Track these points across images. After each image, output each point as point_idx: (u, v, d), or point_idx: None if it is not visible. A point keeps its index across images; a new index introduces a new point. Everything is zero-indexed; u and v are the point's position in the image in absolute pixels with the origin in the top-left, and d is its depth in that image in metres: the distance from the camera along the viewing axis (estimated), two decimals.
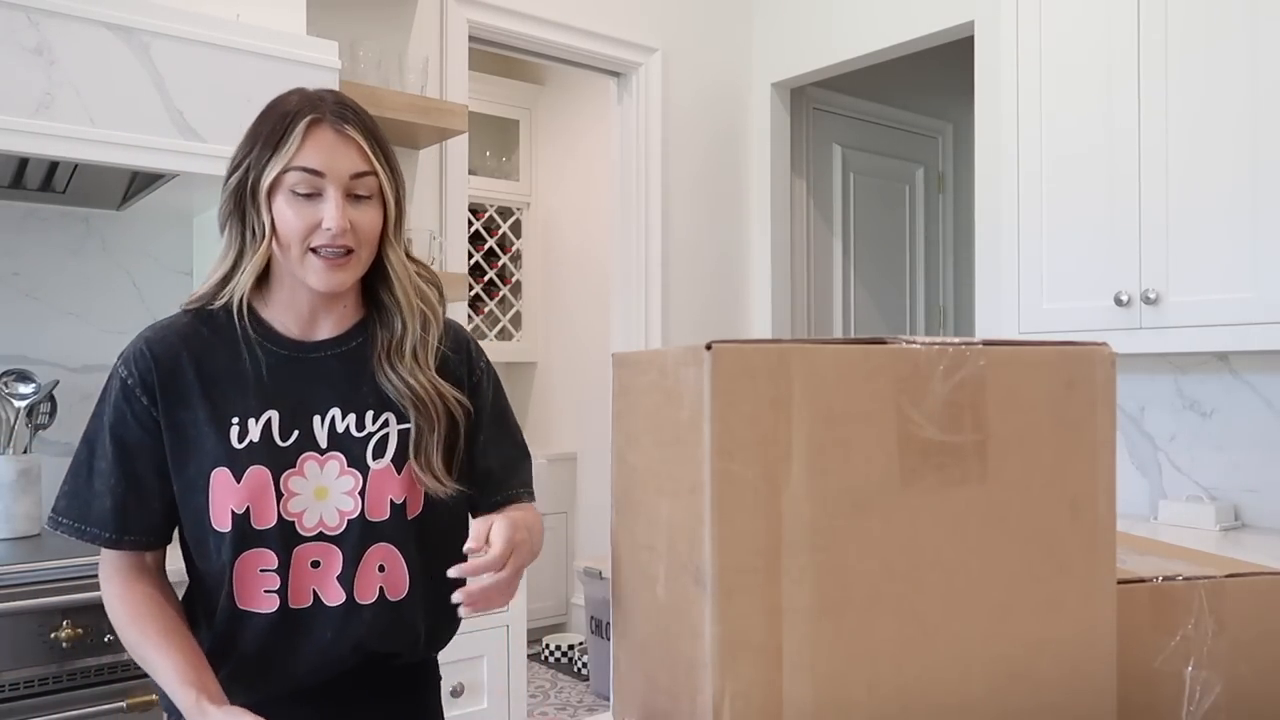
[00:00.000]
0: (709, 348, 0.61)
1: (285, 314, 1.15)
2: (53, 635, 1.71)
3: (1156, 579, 0.75)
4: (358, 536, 1.12)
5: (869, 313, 4.03)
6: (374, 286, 1.17)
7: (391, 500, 1.14)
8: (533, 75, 4.63)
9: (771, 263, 3.56)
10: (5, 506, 2.01)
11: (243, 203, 1.11)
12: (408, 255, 1.18)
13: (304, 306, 1.14)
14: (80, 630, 1.73)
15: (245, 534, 1.09)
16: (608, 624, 0.95)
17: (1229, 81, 2.04)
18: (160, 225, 2.40)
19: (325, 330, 1.16)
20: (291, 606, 1.11)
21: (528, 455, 1.28)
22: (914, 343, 0.65)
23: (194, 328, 1.14)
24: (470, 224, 4.13)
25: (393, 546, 1.14)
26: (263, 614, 1.11)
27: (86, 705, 1.74)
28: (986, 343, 0.66)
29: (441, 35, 2.86)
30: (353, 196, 1.09)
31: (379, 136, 1.12)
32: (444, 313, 1.22)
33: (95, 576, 1.76)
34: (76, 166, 1.88)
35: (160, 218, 2.39)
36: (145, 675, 1.81)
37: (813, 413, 0.62)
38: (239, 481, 1.08)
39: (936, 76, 3.93)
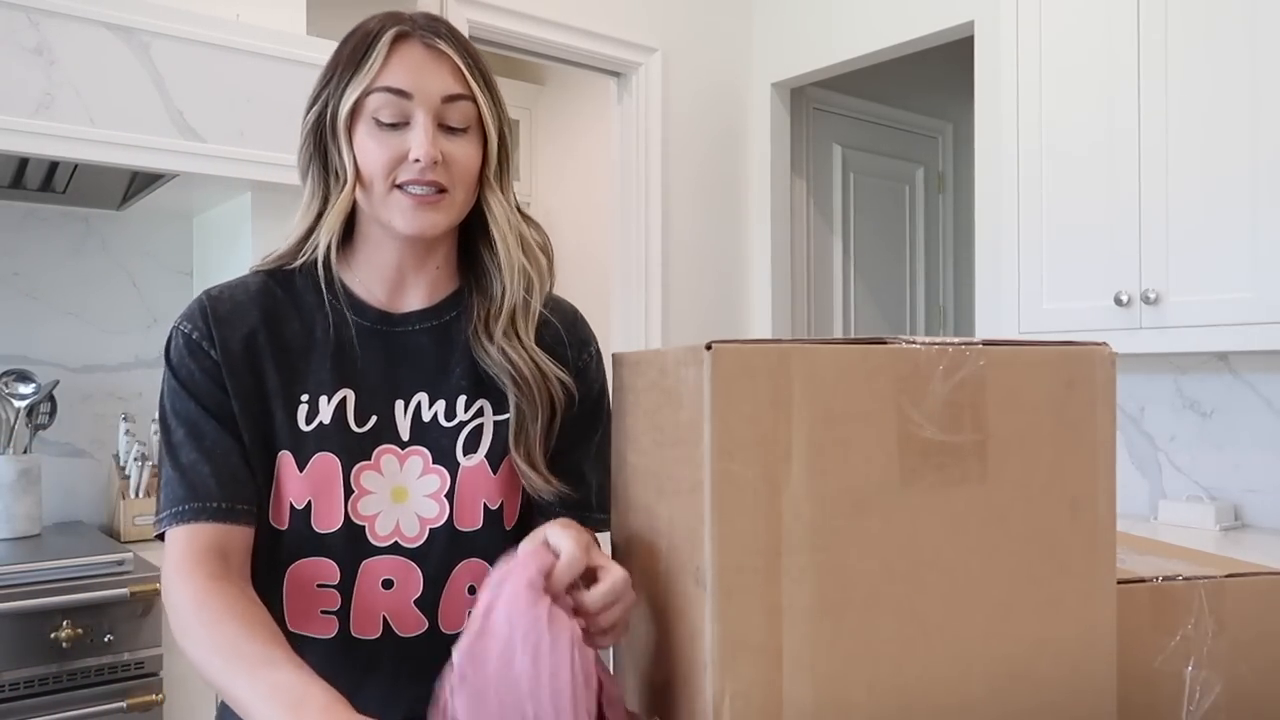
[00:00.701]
0: (709, 348, 0.61)
1: (370, 276, 0.96)
2: (53, 635, 1.71)
3: (1156, 579, 0.75)
4: (443, 550, 0.93)
5: (869, 313, 4.03)
6: (473, 245, 0.99)
7: (486, 505, 0.95)
8: (533, 75, 4.63)
9: (771, 263, 3.56)
10: (5, 506, 2.01)
11: (323, 140, 0.93)
12: (519, 210, 0.99)
13: (390, 266, 0.96)
14: (80, 630, 1.73)
15: (303, 537, 0.91)
16: None
17: (1229, 81, 2.04)
18: (160, 225, 2.40)
19: (415, 299, 0.98)
20: (355, 635, 0.92)
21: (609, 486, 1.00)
22: (914, 343, 0.65)
23: (268, 287, 0.96)
24: None
25: (486, 564, 0.90)
26: (318, 640, 0.91)
27: (86, 705, 1.74)
28: (986, 343, 0.66)
29: None
30: (445, 127, 0.91)
31: (478, 57, 0.94)
32: (549, 279, 1.01)
33: (95, 576, 1.78)
34: (76, 166, 1.88)
35: (160, 218, 2.39)
36: (145, 675, 1.82)
37: (813, 413, 0.62)
38: (302, 470, 0.90)
39: (936, 76, 3.93)
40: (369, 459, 0.92)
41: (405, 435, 0.93)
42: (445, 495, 0.93)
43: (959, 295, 4.37)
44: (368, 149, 0.90)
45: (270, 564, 0.92)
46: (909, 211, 4.23)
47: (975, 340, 0.66)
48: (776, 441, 0.62)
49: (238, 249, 2.18)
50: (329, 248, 0.94)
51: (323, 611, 0.92)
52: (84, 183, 2.04)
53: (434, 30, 0.92)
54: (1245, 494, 2.33)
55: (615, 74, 3.36)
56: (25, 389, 2.10)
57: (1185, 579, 0.76)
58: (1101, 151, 2.24)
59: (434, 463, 0.93)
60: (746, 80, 3.59)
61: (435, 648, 0.89)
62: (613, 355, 0.87)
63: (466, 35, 2.90)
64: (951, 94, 4.01)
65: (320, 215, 0.94)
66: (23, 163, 1.86)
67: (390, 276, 0.97)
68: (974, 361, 0.65)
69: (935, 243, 4.33)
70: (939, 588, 0.64)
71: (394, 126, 0.90)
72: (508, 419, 0.95)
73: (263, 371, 0.92)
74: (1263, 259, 1.99)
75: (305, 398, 0.92)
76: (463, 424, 0.95)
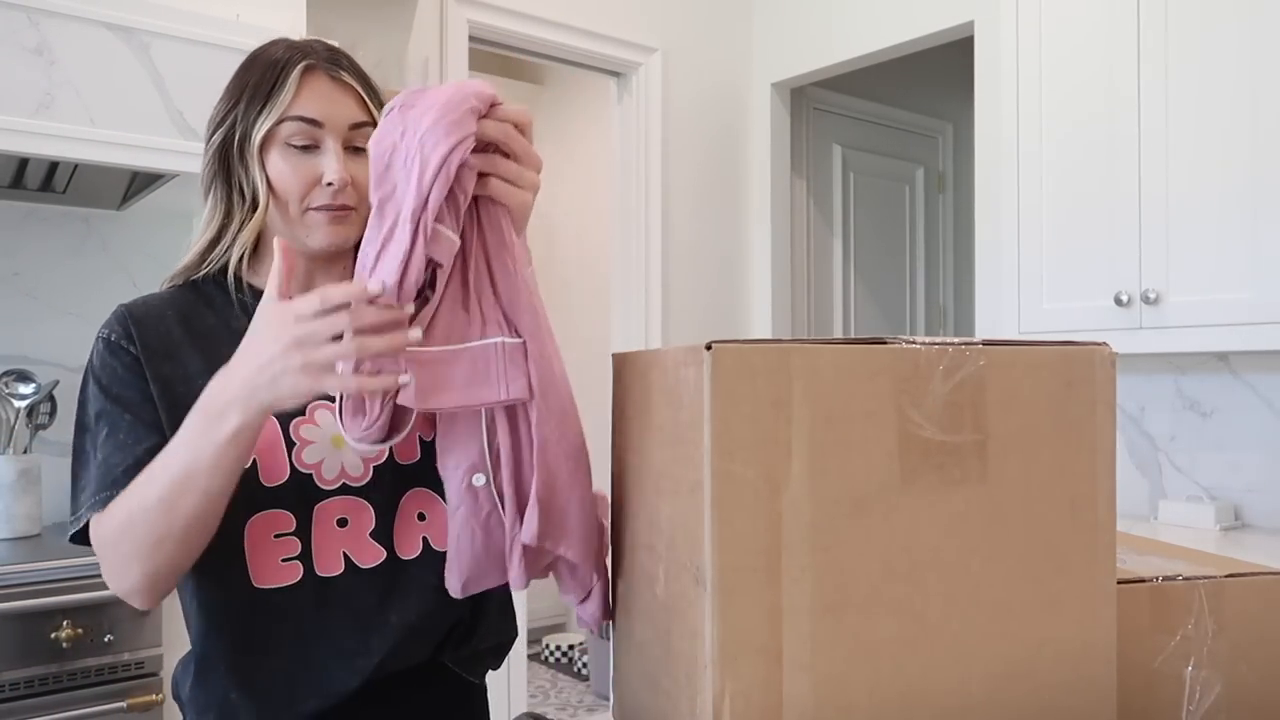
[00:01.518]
0: (709, 348, 0.61)
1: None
2: (53, 635, 1.71)
3: (1156, 579, 0.75)
4: (390, 484, 0.99)
5: (869, 313, 4.03)
6: None
7: (421, 438, 0.99)
8: (533, 75, 4.63)
9: (771, 263, 3.56)
10: (5, 506, 2.01)
11: (229, 161, 1.00)
12: None
13: (301, 272, 1.02)
14: (80, 630, 1.74)
15: (254, 493, 0.94)
16: (608, 624, 0.94)
17: (1229, 81, 2.04)
18: (160, 225, 2.40)
19: None
20: (320, 574, 0.96)
21: None
22: (914, 343, 0.65)
23: (179, 293, 1.03)
24: None
25: (431, 491, 0.99)
26: (286, 588, 0.95)
27: (86, 705, 1.74)
28: (986, 343, 0.66)
29: (441, 35, 2.86)
30: (351, 149, 0.99)
31: (374, 86, 1.03)
32: None
33: (95, 576, 1.77)
34: (76, 166, 1.88)
35: (160, 218, 2.39)
36: (145, 675, 1.82)
37: (813, 413, 0.62)
38: None
39: (936, 76, 3.93)
40: (304, 415, 0.97)
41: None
42: None
43: (959, 295, 4.37)
44: (282, 172, 0.97)
45: (228, 527, 0.93)
46: (909, 211, 4.23)
47: (975, 340, 0.66)
48: (776, 441, 0.62)
49: None
50: (240, 259, 1.00)
51: (284, 560, 0.96)
52: (84, 183, 2.04)
53: (336, 63, 1.01)
54: (1245, 494, 2.33)
55: (615, 74, 3.36)
56: (25, 389, 2.10)
57: (1185, 579, 0.76)
58: (1101, 151, 2.24)
59: None
60: (746, 80, 3.59)
61: (397, 573, 0.98)
62: (613, 355, 0.87)
63: (466, 35, 2.87)
64: (951, 94, 4.02)
65: (222, 229, 1.01)
66: (23, 163, 1.86)
67: (301, 280, 1.02)
68: (974, 361, 0.65)
69: (935, 243, 4.33)
70: (939, 588, 0.64)
71: (305, 150, 0.98)
72: None
73: (184, 358, 0.98)
74: (1263, 259, 1.99)
75: None
76: None
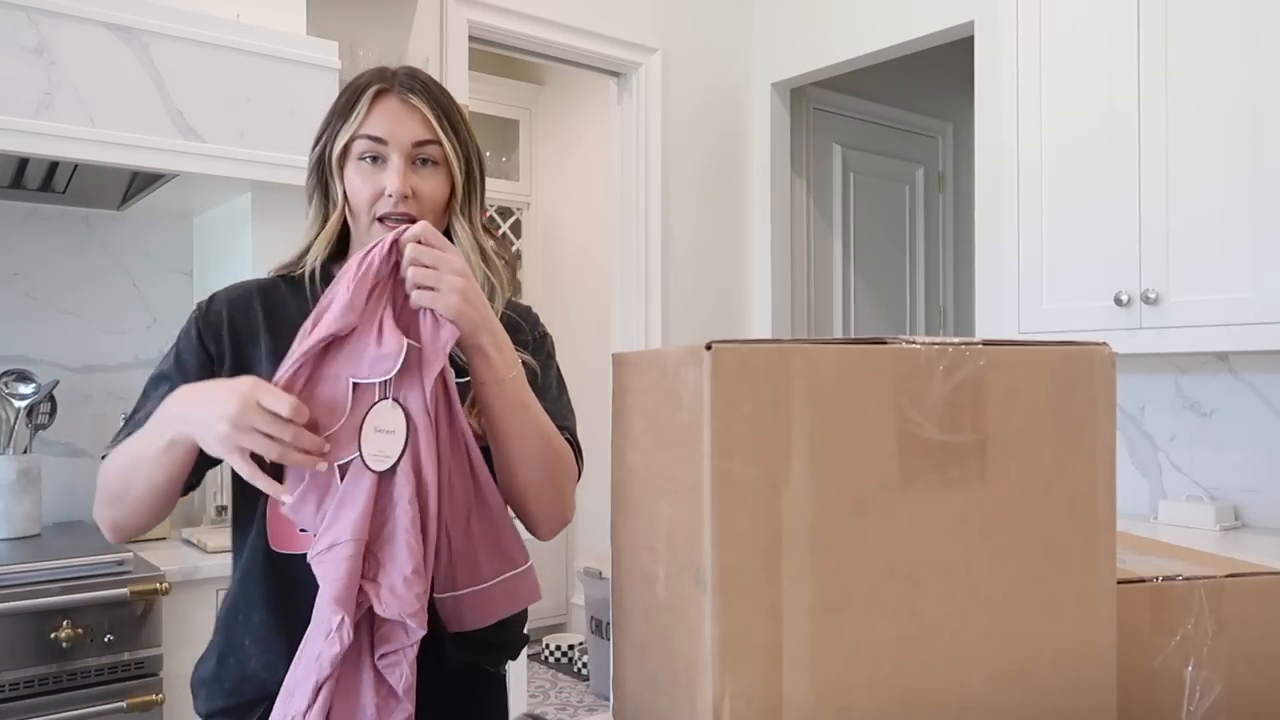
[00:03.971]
0: (709, 348, 0.61)
1: None
2: (53, 635, 1.71)
3: (1156, 579, 0.75)
4: None
5: (869, 313, 4.03)
6: None
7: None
8: (533, 75, 4.63)
9: (771, 263, 3.56)
10: (5, 506, 2.01)
11: (323, 173, 1.14)
12: (485, 230, 1.19)
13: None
14: (80, 630, 1.74)
15: (282, 466, 1.02)
16: (608, 624, 0.94)
17: (1229, 81, 2.04)
18: (160, 225, 2.40)
19: None
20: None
21: (573, 414, 1.24)
22: (914, 343, 0.65)
23: (273, 283, 1.17)
24: None
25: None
26: (299, 556, 1.02)
27: (86, 705, 1.74)
28: (986, 343, 0.66)
29: (441, 35, 2.86)
30: (417, 164, 1.12)
31: (447, 108, 1.14)
32: (509, 288, 1.20)
33: (95, 576, 1.78)
34: (76, 166, 1.88)
35: (160, 218, 2.39)
36: (145, 675, 1.82)
37: (813, 413, 0.62)
38: None
39: (936, 76, 3.93)
40: None
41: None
42: None
43: (959, 295, 4.37)
44: (354, 184, 1.12)
45: (252, 496, 1.05)
46: (909, 211, 4.23)
47: (975, 340, 0.66)
48: (776, 441, 0.62)
49: (237, 249, 2.18)
50: (319, 260, 1.14)
51: (302, 529, 1.03)
52: (84, 183, 2.04)
53: (409, 87, 1.12)
54: (1245, 494, 2.33)
55: (615, 74, 3.36)
56: (25, 389, 2.10)
57: (1185, 579, 0.76)
58: (1101, 151, 2.24)
59: None
60: (746, 80, 3.59)
61: None
62: (613, 355, 0.87)
63: (466, 35, 2.86)
64: (951, 94, 4.01)
65: (319, 232, 1.15)
66: (23, 163, 1.86)
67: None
68: (974, 361, 0.65)
69: (935, 243, 4.33)
70: (939, 588, 0.64)
71: (374, 163, 1.11)
72: (468, 380, 1.06)
73: (255, 336, 1.12)
74: (1263, 259, 1.99)
75: None
76: None
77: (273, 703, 0.97)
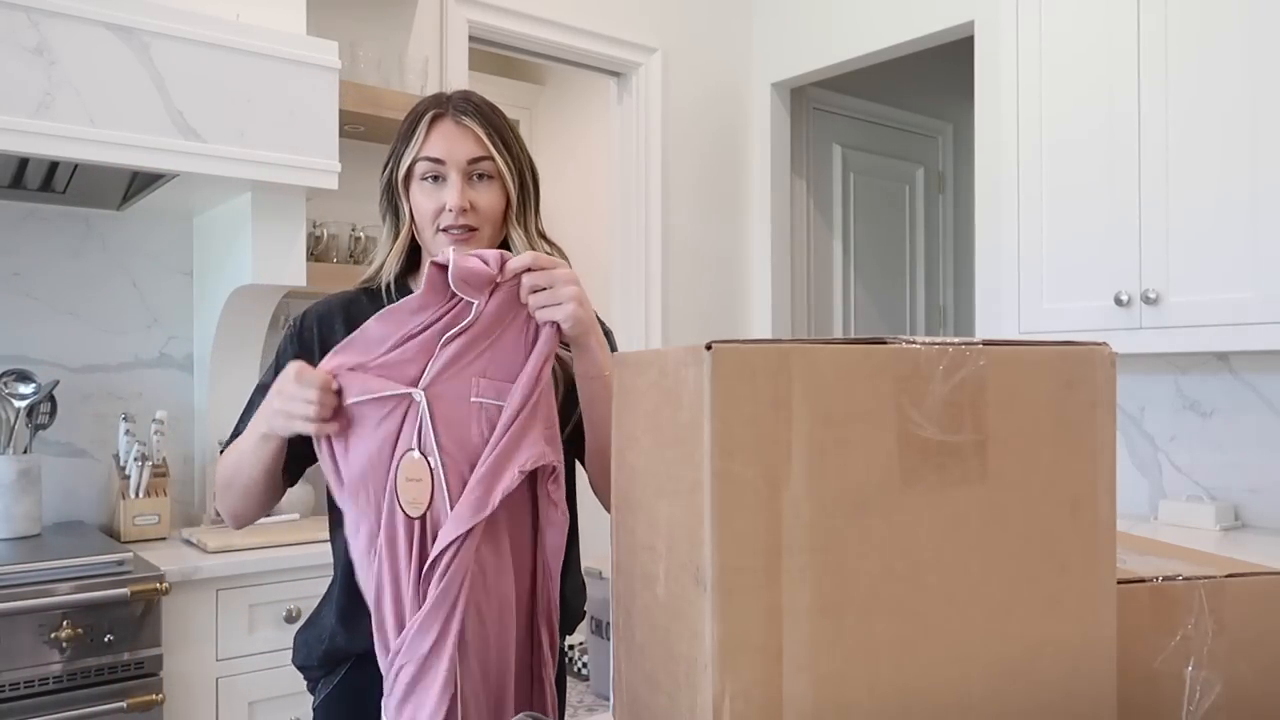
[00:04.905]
0: (709, 348, 0.61)
1: None
2: (53, 635, 1.71)
3: (1156, 579, 0.75)
4: None
5: (869, 313, 4.03)
6: None
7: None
8: (533, 75, 4.63)
9: (771, 263, 3.56)
10: (5, 506, 2.01)
11: (393, 194, 1.27)
12: (544, 238, 1.31)
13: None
14: (80, 630, 1.74)
15: None
16: (608, 624, 0.95)
17: (1229, 81, 2.04)
18: (160, 225, 2.40)
19: None
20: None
21: None
22: (914, 343, 0.64)
23: (356, 296, 1.30)
24: None
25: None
26: None
27: (86, 705, 1.74)
28: (986, 343, 0.66)
29: (441, 35, 2.86)
30: (473, 179, 1.24)
31: (499, 126, 1.26)
32: None
33: (95, 576, 1.78)
34: (76, 166, 1.88)
35: (160, 218, 2.39)
36: (145, 675, 1.82)
37: (813, 413, 0.62)
38: None
39: (936, 76, 3.93)
40: None
41: None
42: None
43: (959, 295, 4.37)
44: (419, 201, 1.25)
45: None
46: (909, 211, 4.23)
47: (975, 340, 0.66)
48: (776, 441, 0.62)
49: (238, 249, 2.18)
50: (392, 274, 1.28)
51: None
52: (84, 183, 2.04)
53: (463, 110, 1.24)
54: (1245, 494, 2.33)
55: (615, 74, 3.36)
56: (25, 389, 2.10)
57: (1185, 579, 0.75)
58: (1101, 151, 2.24)
59: None
60: (746, 80, 3.59)
61: None
62: (613, 355, 0.87)
63: (466, 35, 2.86)
64: (951, 94, 4.01)
65: (391, 247, 1.28)
66: (23, 163, 1.86)
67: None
68: (974, 361, 0.65)
69: (935, 243, 4.32)
70: (939, 588, 0.64)
71: (435, 181, 1.24)
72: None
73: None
74: (1263, 259, 1.99)
75: None
76: None
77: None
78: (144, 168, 1.87)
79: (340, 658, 1.23)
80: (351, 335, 1.09)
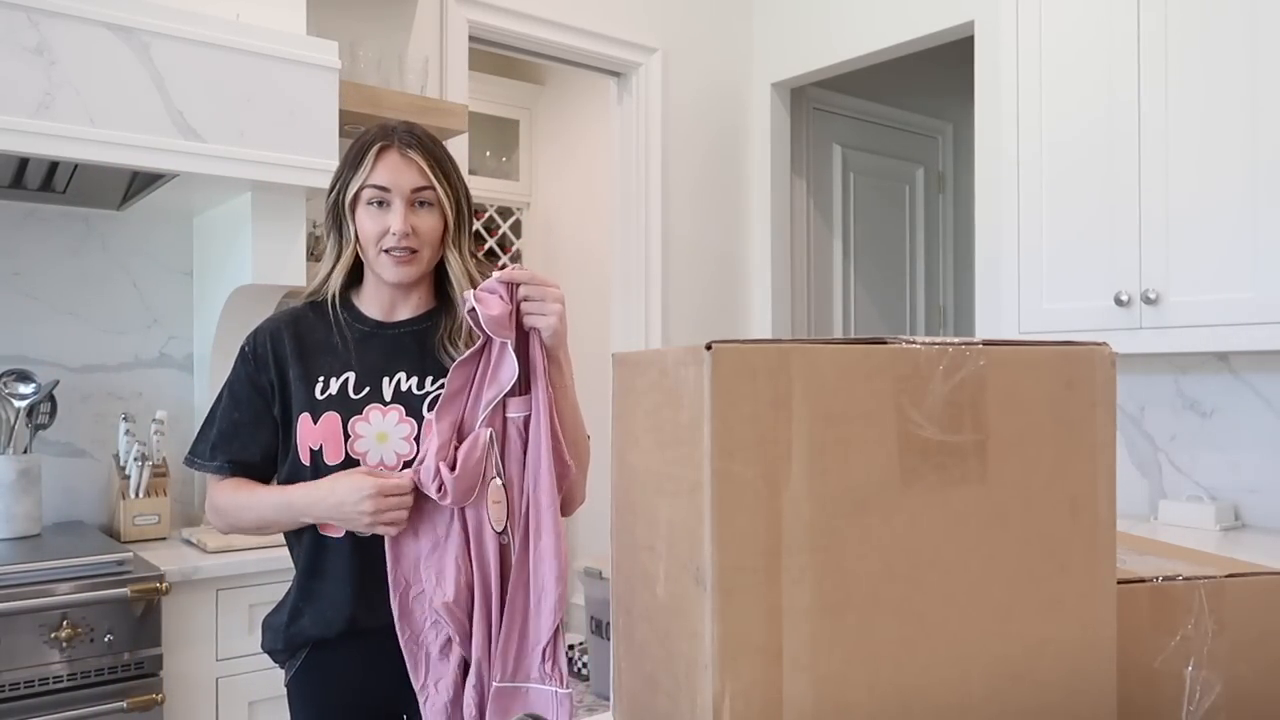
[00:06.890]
0: (709, 348, 0.61)
1: (371, 302, 1.43)
2: (53, 635, 1.71)
3: (1156, 579, 0.75)
4: None
5: (869, 313, 4.03)
6: (445, 280, 1.43)
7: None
8: (533, 75, 4.63)
9: (771, 263, 3.56)
10: (5, 506, 2.01)
11: (338, 214, 1.39)
12: (475, 257, 1.45)
13: (385, 296, 1.42)
14: (80, 630, 1.74)
15: (319, 468, 1.33)
16: (608, 624, 0.95)
17: (1229, 81, 2.04)
18: (160, 225, 2.40)
19: (403, 314, 1.43)
20: (357, 535, 1.34)
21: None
22: (914, 343, 0.64)
23: (303, 312, 1.43)
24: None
25: None
26: (334, 539, 1.35)
27: (86, 705, 1.74)
28: (986, 343, 0.66)
29: (441, 35, 2.86)
30: (416, 206, 1.36)
31: (439, 158, 1.39)
32: None
33: (95, 576, 1.78)
34: (76, 166, 1.88)
35: (160, 218, 2.39)
36: (145, 675, 1.82)
37: (813, 413, 0.62)
38: (316, 424, 1.34)
39: (936, 76, 3.93)
40: (361, 414, 1.35)
41: (388, 398, 1.36)
42: (414, 438, 1.35)
43: (959, 295, 4.37)
44: (364, 224, 1.37)
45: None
46: (909, 211, 4.23)
47: (975, 340, 0.66)
48: (776, 441, 0.62)
49: (238, 249, 2.18)
50: (338, 287, 1.41)
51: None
52: (84, 183, 2.04)
53: (408, 143, 1.36)
54: (1245, 494, 2.33)
55: (615, 74, 3.36)
56: (25, 389, 2.10)
57: (1185, 579, 0.75)
58: (1101, 151, 2.24)
59: (406, 415, 1.36)
60: (746, 80, 3.59)
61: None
62: (613, 355, 0.88)
63: (466, 35, 2.87)
64: (951, 94, 4.01)
65: (333, 264, 1.41)
66: (23, 163, 1.86)
67: (385, 302, 1.43)
68: (974, 361, 0.65)
69: (935, 243, 4.32)
70: (939, 588, 0.64)
71: (380, 206, 1.36)
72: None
73: (286, 366, 1.38)
74: (1263, 259, 1.99)
75: (320, 378, 1.37)
76: (429, 393, 1.37)
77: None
78: (144, 168, 1.86)
79: (300, 643, 1.38)
80: (442, 395, 1.29)
